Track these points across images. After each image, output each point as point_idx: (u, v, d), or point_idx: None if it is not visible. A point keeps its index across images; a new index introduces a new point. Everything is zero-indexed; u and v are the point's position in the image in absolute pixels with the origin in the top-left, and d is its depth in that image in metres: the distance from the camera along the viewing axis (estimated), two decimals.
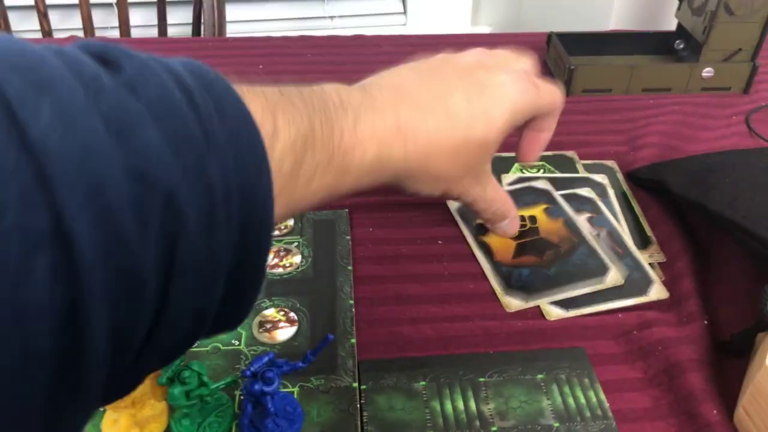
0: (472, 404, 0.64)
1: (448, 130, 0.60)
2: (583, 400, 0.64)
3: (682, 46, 1.21)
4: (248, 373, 0.58)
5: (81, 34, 1.59)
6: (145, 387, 0.58)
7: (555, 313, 0.73)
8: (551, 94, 0.69)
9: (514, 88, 0.63)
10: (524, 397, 0.65)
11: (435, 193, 0.66)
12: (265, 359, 0.59)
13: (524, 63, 0.70)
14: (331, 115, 0.52)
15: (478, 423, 0.62)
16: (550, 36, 1.24)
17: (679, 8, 1.18)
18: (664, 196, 0.89)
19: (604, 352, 0.70)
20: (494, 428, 0.62)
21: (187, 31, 1.72)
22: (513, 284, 0.77)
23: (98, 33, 1.67)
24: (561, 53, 1.17)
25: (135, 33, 1.68)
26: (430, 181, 0.64)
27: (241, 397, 0.63)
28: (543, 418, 0.63)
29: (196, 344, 0.68)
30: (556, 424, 0.62)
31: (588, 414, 0.63)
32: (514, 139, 1.08)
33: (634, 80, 1.13)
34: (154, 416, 0.60)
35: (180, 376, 0.58)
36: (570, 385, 0.66)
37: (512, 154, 0.99)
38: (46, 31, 1.65)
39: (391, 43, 1.34)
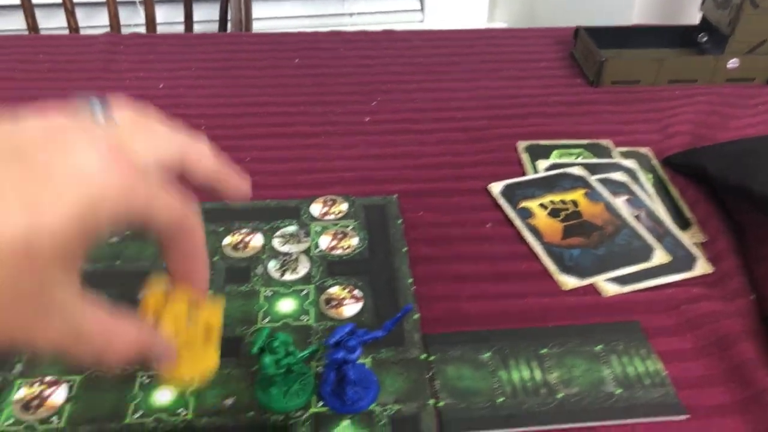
0: (537, 373, 0.68)
1: None
2: (641, 369, 0.68)
3: (705, 38, 1.25)
4: (331, 342, 0.61)
5: (107, 30, 1.62)
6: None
7: (609, 289, 0.77)
8: (171, 207, 0.44)
9: (97, 173, 0.40)
10: (585, 367, 0.68)
11: None
12: (347, 329, 0.62)
13: (148, 143, 0.47)
14: None
15: (544, 390, 0.66)
16: (577, 30, 1.28)
17: (703, 2, 1.22)
18: (701, 180, 0.92)
19: (656, 325, 0.73)
20: (560, 395, 0.65)
21: (213, 28, 1.75)
22: (566, 264, 0.80)
23: (124, 30, 1.70)
24: (590, 46, 1.20)
25: (161, 30, 1.71)
26: None
27: (318, 369, 0.67)
28: (605, 385, 0.66)
29: (266, 318, 0.72)
30: (618, 391, 0.66)
31: (647, 381, 0.66)
32: (546, 128, 1.11)
33: (662, 72, 1.17)
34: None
35: (270, 346, 0.61)
36: (628, 356, 0.69)
37: (548, 142, 1.04)
38: (73, 28, 1.68)
39: (421, 38, 1.37)
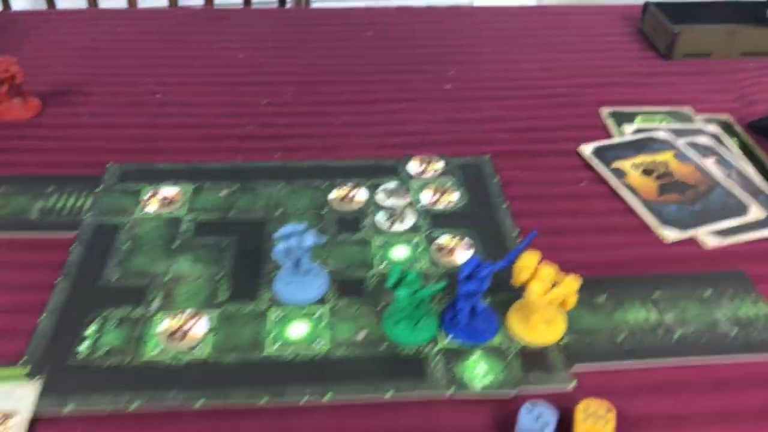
0: (653, 315, 0.70)
1: None
2: (752, 313, 0.70)
3: None
4: (464, 275, 0.64)
5: (166, 7, 1.64)
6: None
7: (710, 241, 0.79)
8: None
9: None
10: (697, 310, 0.71)
11: None
12: (475, 262, 0.65)
13: None
14: None
15: (661, 330, 0.68)
16: (646, 5, 1.30)
17: None
18: None
19: (759, 274, 0.75)
20: (677, 335, 0.68)
21: (272, 2, 1.78)
22: (665, 219, 0.83)
23: (181, 2, 1.73)
24: (661, 20, 1.23)
25: (218, 2, 1.74)
26: None
27: (440, 307, 0.69)
28: (719, 326, 0.69)
29: (383, 264, 0.75)
30: (734, 331, 0.68)
31: (760, 324, 0.69)
32: (625, 96, 1.11)
33: (735, 44, 1.19)
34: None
35: (404, 280, 0.64)
36: (738, 299, 0.71)
37: (631, 108, 1.06)
38: (132, 4, 1.70)
39: (487, 13, 1.40)
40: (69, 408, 0.59)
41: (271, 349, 0.66)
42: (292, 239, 0.68)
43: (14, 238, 0.78)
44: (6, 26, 1.29)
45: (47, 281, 0.73)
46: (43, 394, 0.61)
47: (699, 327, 0.69)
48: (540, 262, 0.66)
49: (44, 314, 0.68)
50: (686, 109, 1.05)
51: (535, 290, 0.64)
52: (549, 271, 0.65)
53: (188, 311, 0.69)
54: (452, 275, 0.73)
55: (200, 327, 0.67)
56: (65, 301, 0.70)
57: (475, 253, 0.77)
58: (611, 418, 0.57)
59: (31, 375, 0.62)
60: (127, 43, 1.25)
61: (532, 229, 0.81)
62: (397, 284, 0.64)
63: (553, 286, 0.65)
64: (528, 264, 0.65)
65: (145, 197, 0.84)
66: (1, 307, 0.70)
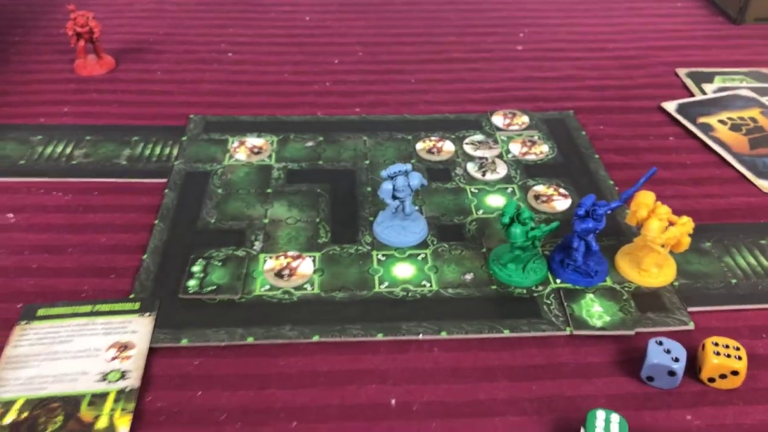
0: (763, 260, 0.68)
1: None
2: None
3: None
4: (581, 212, 0.63)
5: None
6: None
7: None
8: None
9: None
10: None
11: None
12: (591, 199, 0.63)
13: None
14: None
15: None
16: None
17: None
18: None
19: None
20: None
21: None
22: (761, 170, 0.81)
23: None
24: None
25: None
26: None
27: (546, 253, 0.68)
28: None
29: (480, 211, 0.74)
30: None
31: None
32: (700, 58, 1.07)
33: None
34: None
35: (520, 218, 0.63)
36: None
37: (709, 69, 1.04)
38: None
39: None
40: (184, 341, 0.59)
41: (380, 287, 0.65)
42: (399, 178, 0.67)
43: (107, 183, 0.78)
44: None
45: (144, 223, 0.72)
46: (158, 327, 0.60)
47: None
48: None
49: (146, 254, 0.68)
50: (766, 70, 1.03)
51: (653, 227, 0.62)
52: (666, 209, 0.63)
53: (291, 253, 0.68)
54: (552, 221, 0.71)
55: (306, 266, 0.67)
56: (166, 242, 0.70)
57: (574, 200, 0.76)
58: (743, 354, 0.56)
59: (142, 310, 0.62)
60: (194, 5, 1.24)
61: (624, 180, 0.80)
62: (512, 222, 0.63)
63: (669, 226, 0.64)
64: (647, 201, 0.63)
65: (234, 145, 0.84)
66: (102, 247, 0.69)
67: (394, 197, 0.69)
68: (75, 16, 0.97)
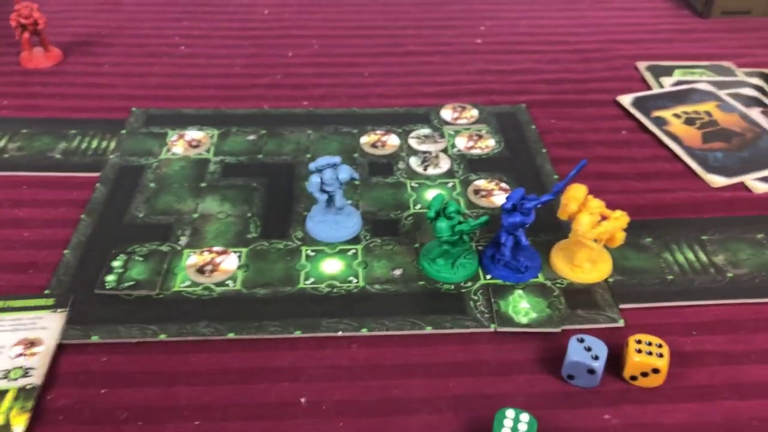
0: (702, 256, 0.67)
1: None
2: None
3: None
4: (508, 206, 0.61)
5: None
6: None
7: (760, 187, 0.76)
8: None
9: None
10: (750, 251, 0.67)
11: None
12: (519, 193, 0.61)
13: None
14: None
15: (713, 270, 0.65)
16: None
17: None
18: None
19: None
20: (730, 275, 0.64)
21: None
22: (711, 165, 0.79)
23: None
24: None
25: None
26: None
27: (478, 248, 0.66)
28: None
29: (417, 205, 0.72)
30: None
31: None
32: (662, 51, 1.07)
33: None
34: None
35: (446, 212, 0.61)
36: None
37: (669, 62, 1.02)
38: None
39: None
40: (95, 338, 0.57)
41: (305, 283, 0.63)
42: (327, 171, 0.65)
43: (38, 177, 0.76)
44: None
45: (71, 218, 0.70)
46: (69, 323, 0.58)
47: (753, 269, 0.65)
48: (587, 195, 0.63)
49: (68, 248, 0.66)
50: (726, 63, 1.01)
51: (584, 222, 0.61)
52: (598, 203, 0.62)
53: (216, 248, 0.66)
54: (491, 215, 0.69)
55: (230, 262, 0.65)
56: (90, 236, 0.68)
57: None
58: (665, 352, 0.54)
59: (56, 306, 0.60)
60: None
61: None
62: (437, 216, 0.61)
63: (601, 221, 0.62)
64: (577, 195, 0.62)
65: (172, 139, 0.82)
66: (24, 242, 0.67)
67: (323, 191, 0.67)
68: (19, 7, 0.95)
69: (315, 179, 0.66)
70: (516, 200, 0.61)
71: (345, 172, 0.66)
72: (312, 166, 0.66)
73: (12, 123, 0.85)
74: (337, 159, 0.66)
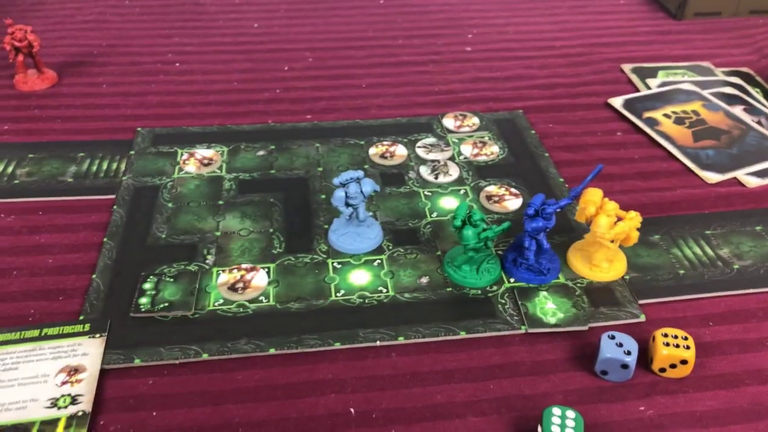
0: (708, 249, 0.70)
1: None
2: None
3: None
4: (531, 212, 0.64)
5: None
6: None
7: (753, 181, 0.80)
8: None
9: None
10: (752, 243, 0.71)
11: None
12: (541, 198, 0.64)
13: None
14: None
15: (720, 263, 0.69)
16: None
17: None
18: None
19: None
20: (736, 266, 0.68)
21: None
22: (704, 162, 0.83)
23: None
24: None
25: None
26: None
27: (499, 252, 0.69)
28: None
29: (433, 214, 0.74)
30: None
31: None
32: (643, 53, 1.11)
33: (742, 3, 1.21)
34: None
35: (471, 219, 0.63)
36: None
37: (653, 64, 1.07)
38: None
39: None
40: (137, 361, 0.58)
41: (337, 295, 0.65)
42: (351, 185, 0.67)
43: (52, 202, 0.76)
44: (9, 1, 1.25)
45: (93, 242, 0.70)
46: (109, 348, 0.59)
47: (757, 260, 0.69)
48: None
49: (96, 273, 0.66)
50: (705, 63, 1.07)
51: (602, 224, 0.64)
52: (614, 205, 0.65)
53: (245, 265, 0.67)
54: (504, 221, 0.72)
55: (260, 279, 0.66)
56: (116, 260, 0.68)
57: (525, 199, 0.77)
58: (691, 344, 0.57)
59: (92, 332, 0.60)
60: (137, 15, 1.22)
61: (574, 177, 0.82)
62: (464, 225, 0.64)
63: (617, 221, 0.65)
64: (594, 198, 0.65)
65: (183, 158, 0.83)
66: (49, 268, 0.67)
67: (348, 204, 0.68)
68: (13, 30, 0.94)
69: (340, 193, 0.68)
70: (537, 206, 0.64)
71: (369, 185, 0.68)
72: (336, 180, 0.67)
73: (16, 148, 0.84)
74: (360, 173, 0.68)
